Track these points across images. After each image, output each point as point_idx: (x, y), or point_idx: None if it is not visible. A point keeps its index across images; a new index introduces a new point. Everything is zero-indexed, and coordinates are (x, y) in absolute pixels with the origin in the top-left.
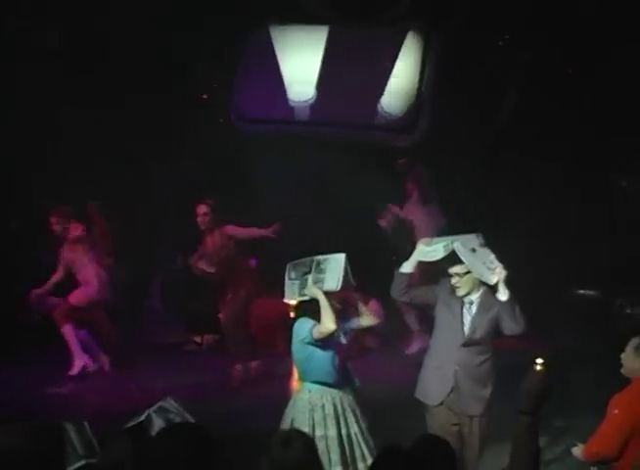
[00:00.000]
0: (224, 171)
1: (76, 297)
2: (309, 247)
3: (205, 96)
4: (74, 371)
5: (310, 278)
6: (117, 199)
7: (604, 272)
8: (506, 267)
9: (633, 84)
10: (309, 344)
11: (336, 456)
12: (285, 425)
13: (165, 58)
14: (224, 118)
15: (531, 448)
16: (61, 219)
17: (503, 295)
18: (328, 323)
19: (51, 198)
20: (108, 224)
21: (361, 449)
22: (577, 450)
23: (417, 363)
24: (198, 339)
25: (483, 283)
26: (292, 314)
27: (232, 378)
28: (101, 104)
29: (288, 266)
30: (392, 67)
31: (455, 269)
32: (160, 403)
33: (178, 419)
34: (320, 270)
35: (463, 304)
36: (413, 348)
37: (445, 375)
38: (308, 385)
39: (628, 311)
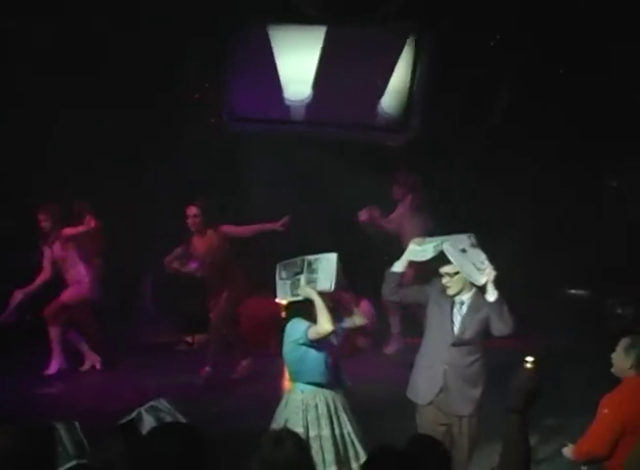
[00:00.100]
0: (217, 171)
1: (68, 295)
2: (299, 246)
3: (196, 96)
4: (51, 371)
5: (303, 278)
6: (109, 198)
7: (595, 272)
8: (498, 268)
9: (625, 85)
10: (303, 344)
11: (330, 456)
12: (277, 425)
13: (158, 58)
14: (216, 118)
15: (522, 448)
16: (49, 216)
17: (491, 295)
18: (325, 324)
19: (42, 197)
20: (98, 223)
21: (354, 449)
22: (568, 450)
23: (409, 363)
24: (189, 339)
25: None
26: (283, 314)
27: (221, 378)
28: (92, 104)
29: (278, 266)
30: (385, 67)
31: (446, 269)
32: (151, 403)
33: (169, 418)
34: (312, 270)
35: (454, 303)
36: (391, 348)
37: (435, 375)
38: (301, 385)
39: (619, 311)
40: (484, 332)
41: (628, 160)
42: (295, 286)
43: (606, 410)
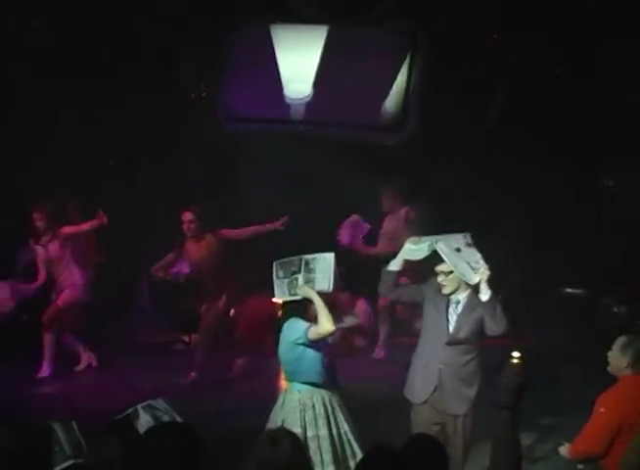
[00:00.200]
0: (215, 171)
1: (64, 299)
2: (298, 246)
3: (193, 95)
4: (43, 374)
5: (301, 278)
6: (107, 198)
7: (591, 271)
8: (494, 267)
9: (621, 84)
10: (301, 344)
11: (328, 456)
12: (273, 426)
13: (157, 58)
14: (212, 118)
15: (512, 444)
16: (44, 216)
17: (485, 295)
18: (326, 324)
19: (38, 196)
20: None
21: (352, 448)
22: (564, 449)
23: (405, 362)
24: (186, 338)
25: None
26: (279, 314)
27: (212, 379)
28: (88, 103)
29: (274, 265)
30: (381, 67)
31: (441, 268)
32: (149, 402)
33: (166, 417)
34: (310, 270)
35: (450, 302)
36: (379, 353)
37: (430, 374)
38: (297, 385)
39: (615, 310)
40: (480, 331)
41: (624, 159)
42: (292, 285)
43: (602, 409)
